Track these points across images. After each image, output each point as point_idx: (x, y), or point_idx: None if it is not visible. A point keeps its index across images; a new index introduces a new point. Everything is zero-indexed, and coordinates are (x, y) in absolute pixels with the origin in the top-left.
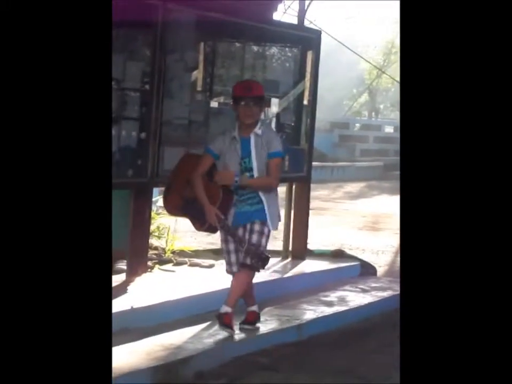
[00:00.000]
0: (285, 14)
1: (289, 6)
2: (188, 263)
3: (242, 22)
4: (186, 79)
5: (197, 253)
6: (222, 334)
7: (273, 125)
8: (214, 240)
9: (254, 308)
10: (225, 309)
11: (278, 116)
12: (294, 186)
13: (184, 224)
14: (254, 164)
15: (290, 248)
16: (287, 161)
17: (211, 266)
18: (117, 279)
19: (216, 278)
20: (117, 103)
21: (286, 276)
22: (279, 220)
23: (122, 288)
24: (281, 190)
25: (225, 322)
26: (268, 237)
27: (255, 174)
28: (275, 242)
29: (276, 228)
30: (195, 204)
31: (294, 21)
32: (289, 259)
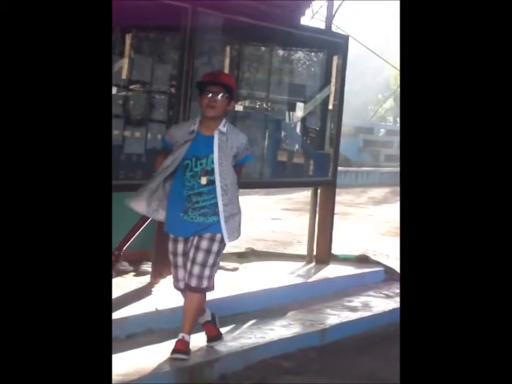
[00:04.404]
0: (312, 19)
1: (317, 11)
2: None
3: (270, 26)
4: None
5: (221, 256)
6: (246, 337)
7: (298, 129)
8: (238, 243)
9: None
10: (180, 335)
11: (303, 120)
12: (318, 191)
13: None
14: (216, 167)
15: (314, 253)
16: (311, 165)
17: (235, 269)
18: (141, 281)
19: (241, 281)
20: (144, 106)
21: (310, 280)
22: (239, 235)
23: (147, 289)
24: (306, 194)
25: (176, 348)
26: (217, 254)
27: (217, 177)
28: (299, 246)
29: (231, 240)
30: None
31: (322, 25)
32: (313, 263)
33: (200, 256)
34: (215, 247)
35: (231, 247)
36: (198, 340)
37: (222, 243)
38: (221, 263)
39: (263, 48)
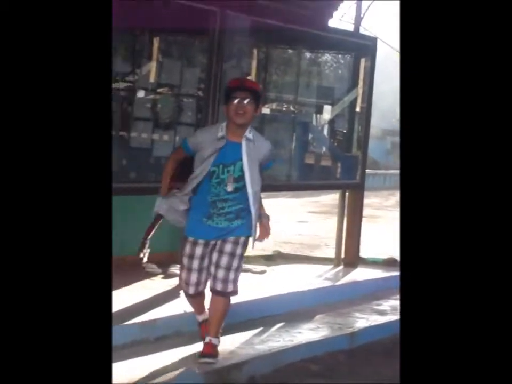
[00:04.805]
0: (340, 21)
1: (345, 13)
2: None
3: (297, 29)
4: None
5: (248, 259)
6: (275, 340)
7: (325, 132)
8: (265, 246)
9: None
10: (207, 339)
11: (330, 122)
12: (346, 194)
13: None
14: (247, 173)
15: (342, 256)
16: (339, 168)
17: (263, 272)
18: (170, 283)
19: (268, 283)
20: (172, 109)
21: (338, 283)
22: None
23: (175, 292)
24: (333, 197)
25: (204, 351)
26: (241, 257)
27: (248, 184)
28: (326, 249)
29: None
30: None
31: (350, 27)
32: (341, 266)
33: (224, 260)
34: (239, 250)
35: (258, 249)
36: (225, 342)
37: (245, 246)
38: (249, 266)
39: (290, 51)
